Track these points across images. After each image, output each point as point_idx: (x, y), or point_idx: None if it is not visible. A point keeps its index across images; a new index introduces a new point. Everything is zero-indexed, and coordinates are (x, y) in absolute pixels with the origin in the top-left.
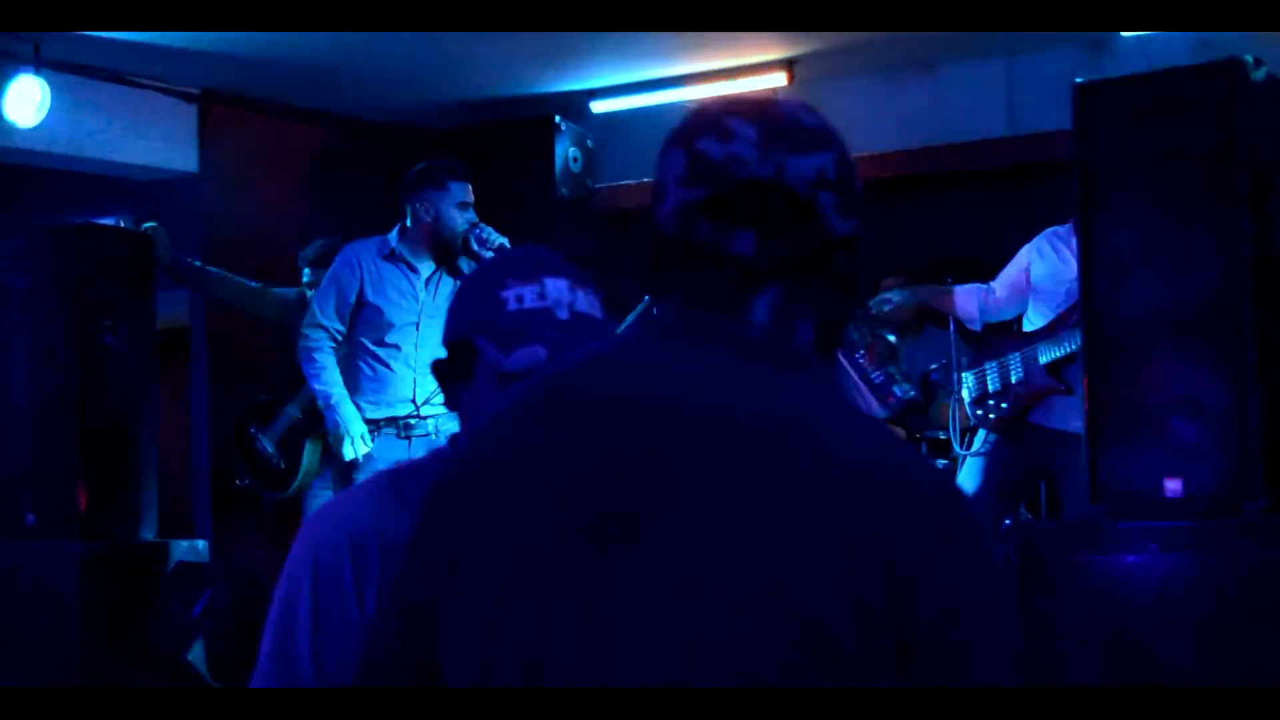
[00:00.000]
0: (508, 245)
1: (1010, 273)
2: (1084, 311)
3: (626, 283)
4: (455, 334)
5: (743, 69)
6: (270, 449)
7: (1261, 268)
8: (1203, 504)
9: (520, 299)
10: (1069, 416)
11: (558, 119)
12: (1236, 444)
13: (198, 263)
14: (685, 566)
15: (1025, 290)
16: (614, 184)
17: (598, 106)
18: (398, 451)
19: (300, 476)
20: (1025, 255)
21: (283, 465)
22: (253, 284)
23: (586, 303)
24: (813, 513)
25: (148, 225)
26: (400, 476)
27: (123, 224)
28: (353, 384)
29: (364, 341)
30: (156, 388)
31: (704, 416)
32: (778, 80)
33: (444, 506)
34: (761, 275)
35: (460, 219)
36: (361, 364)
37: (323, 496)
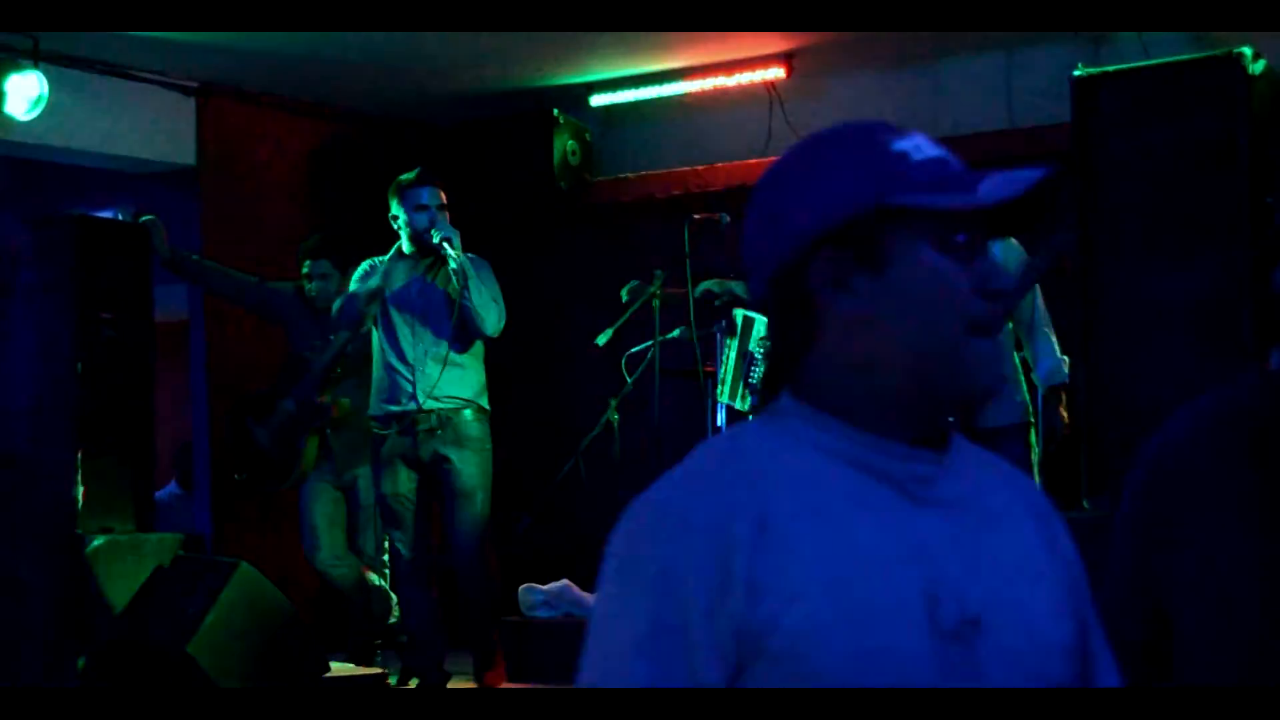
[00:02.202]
0: (454, 239)
1: None
2: (1084, 304)
3: (624, 275)
4: (839, 212)
5: (742, 62)
6: (266, 442)
7: (1261, 259)
8: None
9: (919, 148)
10: (999, 413)
11: (556, 112)
12: None
13: (195, 256)
14: None
15: None
16: (612, 177)
17: (597, 100)
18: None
19: (297, 470)
20: None
21: (279, 458)
22: (250, 277)
23: None
24: None
25: (145, 218)
26: (729, 457)
27: (121, 217)
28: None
29: (378, 344)
30: (154, 381)
31: None
32: (777, 74)
33: (1158, 483)
34: None
35: (419, 219)
36: (378, 366)
37: (319, 490)
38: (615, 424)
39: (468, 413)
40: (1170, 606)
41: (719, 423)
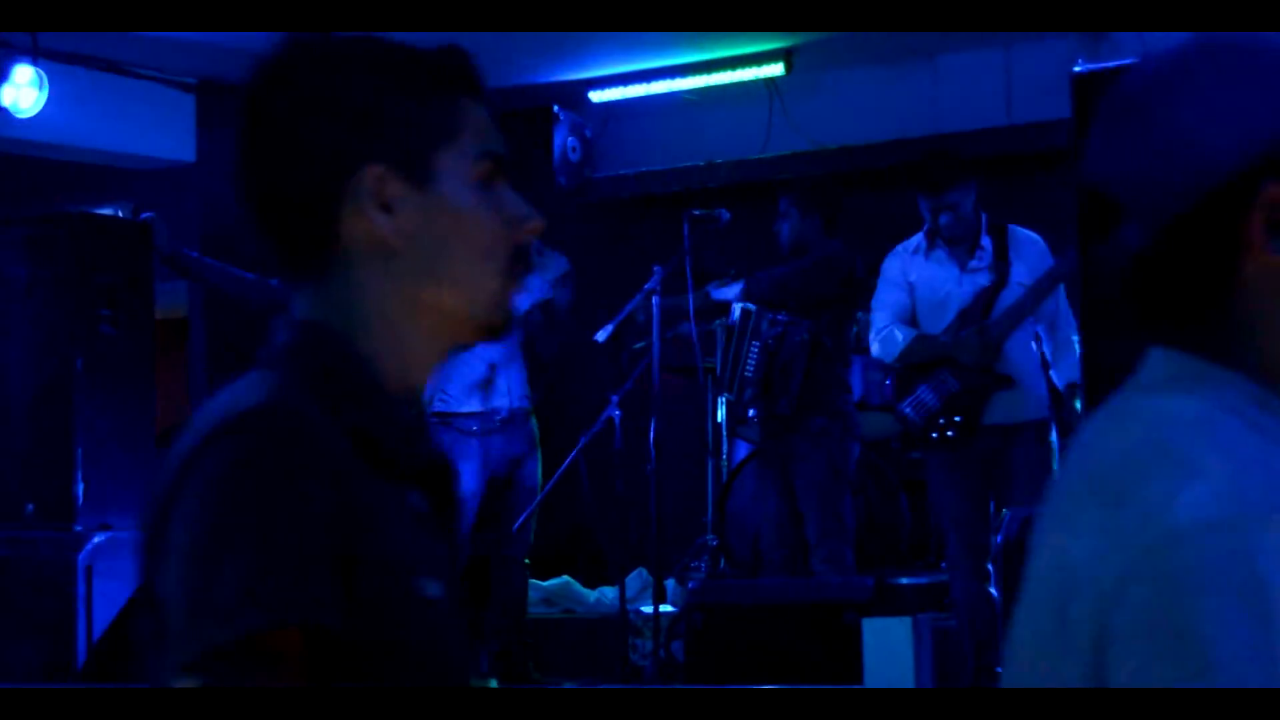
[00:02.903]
0: (562, 258)
1: (900, 300)
2: (1084, 301)
3: (624, 270)
4: (1200, 185)
5: (741, 59)
6: None
7: None
8: None
9: None
10: (1016, 408)
11: (556, 108)
12: None
13: (195, 253)
14: None
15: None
16: (612, 174)
17: (596, 96)
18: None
19: None
20: (899, 283)
21: None
22: (250, 274)
23: None
24: None
25: (145, 215)
26: (1253, 462)
27: (120, 214)
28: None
29: None
30: (154, 378)
31: None
32: (776, 70)
33: None
34: None
35: None
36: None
37: None
38: (615, 421)
39: (532, 413)
40: None
41: (719, 419)
